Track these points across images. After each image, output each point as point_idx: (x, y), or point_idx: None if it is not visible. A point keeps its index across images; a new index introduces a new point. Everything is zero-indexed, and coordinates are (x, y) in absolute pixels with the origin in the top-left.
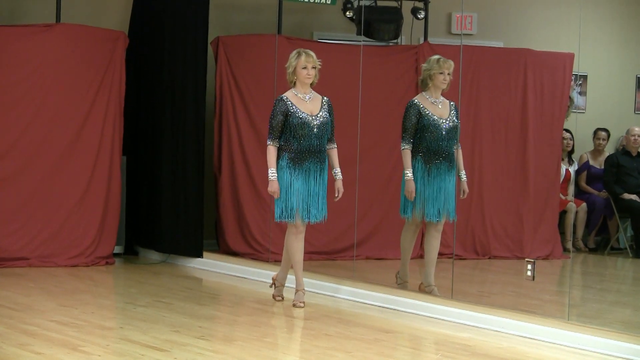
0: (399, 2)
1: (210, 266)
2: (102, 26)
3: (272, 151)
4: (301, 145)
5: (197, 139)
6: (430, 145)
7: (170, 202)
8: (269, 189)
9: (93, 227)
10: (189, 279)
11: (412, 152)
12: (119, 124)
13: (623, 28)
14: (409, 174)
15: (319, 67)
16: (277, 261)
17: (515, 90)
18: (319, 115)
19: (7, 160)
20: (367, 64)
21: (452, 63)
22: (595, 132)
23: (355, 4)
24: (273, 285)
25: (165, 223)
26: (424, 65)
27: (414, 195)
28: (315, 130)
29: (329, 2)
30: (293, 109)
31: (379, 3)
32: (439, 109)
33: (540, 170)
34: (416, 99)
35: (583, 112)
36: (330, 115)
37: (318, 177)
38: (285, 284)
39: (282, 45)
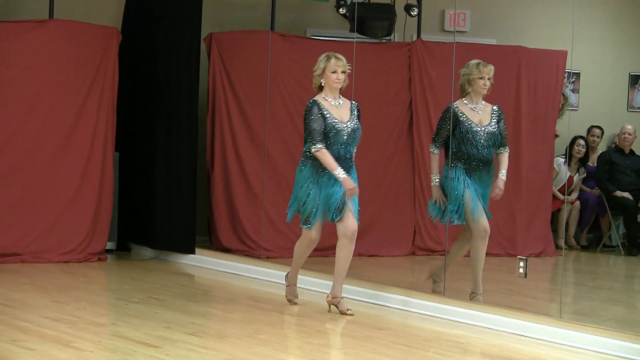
0: (392, 0)
1: (203, 263)
2: (96, 22)
3: (325, 153)
4: (332, 152)
5: (190, 135)
6: (470, 153)
7: (163, 199)
8: (347, 187)
9: (86, 224)
10: (182, 276)
11: (451, 160)
12: (112, 121)
13: (616, 27)
14: (435, 179)
15: (349, 71)
16: (269, 257)
17: (508, 88)
18: (349, 124)
19: (0, 157)
20: (361, 61)
21: (492, 67)
22: (589, 130)
23: (349, 1)
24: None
25: (157, 219)
26: (463, 70)
27: (442, 200)
28: (345, 137)
29: None
30: (325, 114)
31: (372, 0)
32: (478, 115)
33: (533, 167)
34: (455, 104)
35: (576, 110)
36: (359, 120)
37: (340, 186)
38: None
39: (276, 41)
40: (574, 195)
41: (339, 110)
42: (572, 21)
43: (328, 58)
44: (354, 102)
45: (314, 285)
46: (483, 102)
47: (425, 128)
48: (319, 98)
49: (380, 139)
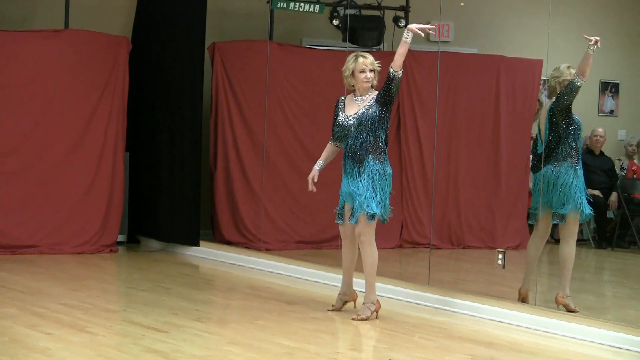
0: (382, 12)
1: (206, 254)
2: (107, 32)
3: (327, 146)
4: (345, 147)
5: (194, 136)
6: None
7: (169, 195)
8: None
9: (98, 218)
10: (187, 266)
11: (574, 156)
12: (122, 123)
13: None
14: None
15: (379, 69)
16: (267, 249)
17: (488, 94)
18: (356, 114)
19: (18, 155)
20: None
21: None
22: None
23: (341, 13)
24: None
25: (164, 214)
26: (553, 73)
27: None
28: (352, 129)
29: (317, 10)
30: (339, 111)
31: (363, 12)
32: None
33: (510, 167)
34: (551, 104)
35: None
36: (377, 99)
37: (354, 181)
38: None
39: (274, 50)
40: None
41: (356, 106)
42: (547, 32)
43: (356, 58)
44: (376, 92)
45: (309, 276)
46: None
47: (412, 131)
48: (346, 96)
49: None
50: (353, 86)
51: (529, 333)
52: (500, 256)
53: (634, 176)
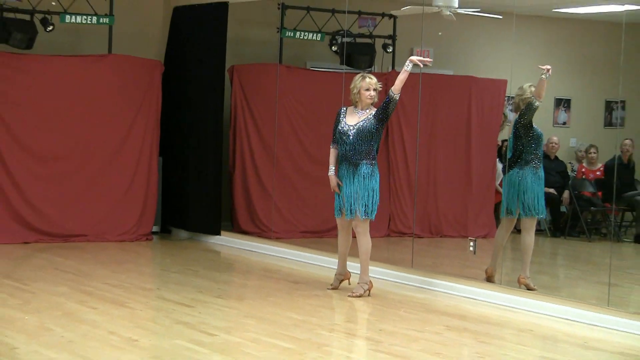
0: (373, 39)
1: (226, 242)
2: (144, 56)
3: (331, 152)
4: (341, 151)
5: (216, 144)
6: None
7: (195, 192)
8: (330, 183)
9: (136, 211)
10: (210, 252)
11: (533, 162)
12: (156, 133)
13: (545, 61)
14: None
15: (380, 89)
16: (277, 238)
17: (461, 108)
18: (356, 125)
19: (70, 160)
20: (348, 86)
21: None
22: None
23: (339, 40)
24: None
25: (191, 208)
26: (517, 92)
27: None
28: (350, 138)
29: (318, 38)
30: (342, 119)
31: (357, 40)
32: None
33: (480, 169)
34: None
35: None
36: (375, 115)
37: (349, 182)
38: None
39: (282, 72)
40: None
41: (356, 117)
42: (511, 56)
43: (363, 78)
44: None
45: (312, 260)
46: None
47: (398, 139)
48: (347, 107)
49: None
50: (357, 101)
51: (495, 307)
52: (471, 244)
53: (583, 177)
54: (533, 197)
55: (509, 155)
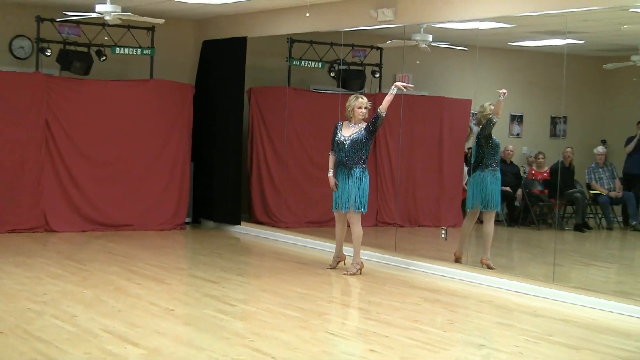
0: (363, 67)
1: (245, 231)
2: (178, 80)
3: (330, 157)
4: (338, 157)
5: (237, 151)
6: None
7: (220, 190)
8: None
9: (172, 205)
10: (232, 239)
11: (492, 167)
12: (188, 143)
13: (502, 84)
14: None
15: (369, 107)
16: (286, 227)
17: (435, 123)
18: (350, 136)
19: (118, 164)
20: (343, 104)
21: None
22: None
23: (336, 68)
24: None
25: (217, 203)
26: (479, 109)
27: None
28: (346, 147)
29: (320, 66)
30: (338, 132)
31: (351, 67)
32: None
33: (450, 172)
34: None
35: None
36: (366, 128)
37: (345, 182)
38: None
39: (291, 93)
40: None
41: (350, 130)
42: (475, 81)
43: (356, 98)
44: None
45: (315, 245)
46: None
47: (384, 147)
48: (343, 122)
49: None
50: (351, 117)
51: (462, 283)
52: (443, 232)
53: (532, 178)
54: (492, 194)
55: (472, 160)
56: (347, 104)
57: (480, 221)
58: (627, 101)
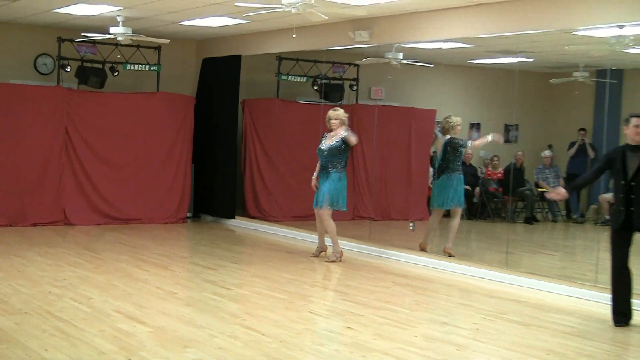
0: (342, 81)
1: (239, 224)
2: (182, 92)
3: (318, 163)
4: (320, 162)
5: (233, 155)
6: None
7: (218, 188)
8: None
9: (176, 202)
10: (228, 231)
11: (457, 170)
12: (190, 147)
13: (463, 95)
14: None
15: (343, 118)
16: (275, 221)
17: (405, 130)
18: (328, 145)
19: (129, 167)
20: (325, 114)
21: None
22: None
23: (319, 82)
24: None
25: (215, 199)
26: (446, 118)
27: None
28: (325, 153)
29: (305, 80)
30: (322, 141)
31: (332, 81)
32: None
33: (417, 173)
34: (449, 137)
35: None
36: (341, 138)
37: (324, 182)
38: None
39: (279, 104)
40: None
41: (330, 139)
42: (439, 93)
43: (329, 112)
44: (344, 133)
45: (300, 236)
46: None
47: (360, 152)
48: (328, 133)
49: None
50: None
51: (428, 269)
52: (411, 224)
53: (489, 177)
54: (460, 193)
55: (436, 165)
56: (326, 117)
57: (446, 216)
58: (570, 111)
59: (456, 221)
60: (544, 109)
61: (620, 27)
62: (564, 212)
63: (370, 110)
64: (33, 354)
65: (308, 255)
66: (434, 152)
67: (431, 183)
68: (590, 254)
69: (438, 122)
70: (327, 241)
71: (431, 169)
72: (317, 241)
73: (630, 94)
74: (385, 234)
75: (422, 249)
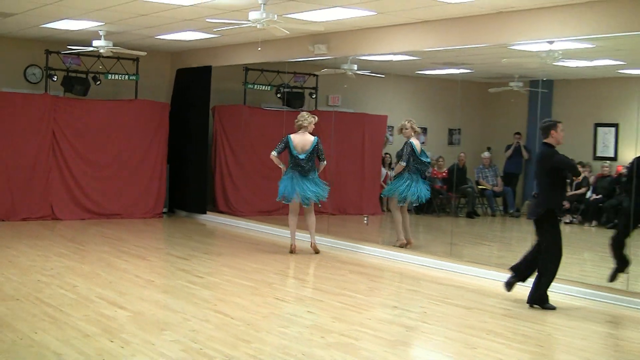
0: (303, 90)
1: (210, 218)
2: (157, 100)
3: (274, 157)
4: (292, 162)
5: (204, 156)
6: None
7: (191, 186)
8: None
9: (153, 198)
10: (200, 225)
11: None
12: (165, 149)
13: (411, 102)
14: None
15: (306, 124)
16: (243, 216)
17: (359, 133)
18: (304, 152)
19: (110, 167)
20: (289, 120)
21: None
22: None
23: (282, 90)
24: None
25: (188, 196)
26: (403, 122)
27: None
28: (302, 157)
29: (269, 89)
30: (291, 143)
31: (293, 90)
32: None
33: (371, 172)
34: (413, 141)
35: (392, 144)
36: (317, 148)
37: (311, 184)
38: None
39: (246, 110)
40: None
41: (301, 141)
42: (389, 100)
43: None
44: (316, 138)
45: (265, 229)
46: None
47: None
48: (292, 133)
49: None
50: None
51: (380, 259)
52: (365, 218)
53: (434, 176)
54: (419, 189)
55: (402, 162)
56: (296, 120)
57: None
58: (507, 117)
59: (397, 214)
60: (483, 115)
61: (550, 42)
62: (501, 207)
63: (328, 116)
64: (24, 336)
65: (274, 246)
66: (386, 153)
67: (384, 181)
68: (525, 244)
69: (389, 127)
70: (299, 236)
71: (383, 170)
72: (281, 234)
73: (559, 101)
74: (341, 227)
75: (404, 246)
